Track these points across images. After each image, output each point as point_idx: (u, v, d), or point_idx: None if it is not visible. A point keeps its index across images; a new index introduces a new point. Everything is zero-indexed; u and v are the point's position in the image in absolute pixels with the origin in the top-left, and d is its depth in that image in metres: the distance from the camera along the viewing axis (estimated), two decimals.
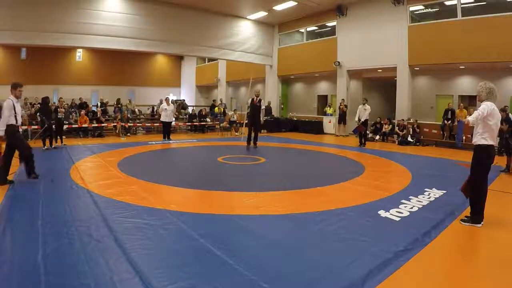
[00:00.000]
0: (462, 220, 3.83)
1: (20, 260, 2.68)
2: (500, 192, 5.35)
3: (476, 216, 3.70)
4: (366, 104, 11.21)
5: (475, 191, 3.72)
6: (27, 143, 5.85)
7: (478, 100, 3.89)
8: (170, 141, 11.33)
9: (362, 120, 11.14)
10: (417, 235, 3.34)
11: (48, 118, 9.03)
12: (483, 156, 3.69)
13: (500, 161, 7.06)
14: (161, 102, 17.03)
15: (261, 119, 9.91)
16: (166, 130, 11.79)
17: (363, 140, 11.13)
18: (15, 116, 5.31)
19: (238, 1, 14.61)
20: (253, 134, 9.73)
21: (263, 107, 9.58)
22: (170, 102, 12.31)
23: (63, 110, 10.11)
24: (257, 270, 2.57)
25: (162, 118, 11.72)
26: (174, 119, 12.10)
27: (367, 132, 13.58)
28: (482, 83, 3.90)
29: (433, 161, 8.45)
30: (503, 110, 7.10)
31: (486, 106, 3.65)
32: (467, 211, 4.02)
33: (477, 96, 3.93)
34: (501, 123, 7.03)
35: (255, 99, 9.39)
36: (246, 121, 10.20)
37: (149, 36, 13.54)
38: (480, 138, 3.67)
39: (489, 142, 3.66)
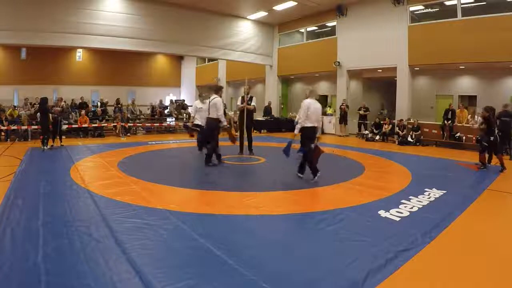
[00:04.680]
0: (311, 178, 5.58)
1: (20, 260, 2.68)
2: (500, 192, 5.35)
3: (316, 172, 5.62)
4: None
5: (308, 157, 5.68)
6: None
7: (305, 98, 5.72)
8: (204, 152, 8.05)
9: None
10: (417, 235, 3.34)
11: (45, 118, 9.02)
12: (307, 133, 5.56)
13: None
14: (160, 102, 17.08)
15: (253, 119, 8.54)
16: (203, 138, 8.23)
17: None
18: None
19: (238, 1, 14.61)
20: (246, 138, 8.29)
21: (253, 103, 8.17)
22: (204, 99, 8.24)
23: (58, 109, 10.07)
24: (257, 270, 2.56)
25: (197, 121, 8.23)
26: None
27: (366, 132, 13.58)
28: (306, 88, 6.09)
29: (433, 161, 8.45)
30: (486, 111, 7.09)
31: (303, 104, 5.58)
32: (467, 210, 4.20)
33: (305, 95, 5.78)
34: (481, 123, 7.12)
35: (245, 98, 8.08)
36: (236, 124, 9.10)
37: (149, 36, 13.54)
38: (303, 122, 5.52)
39: (309, 124, 5.54)
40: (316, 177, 5.60)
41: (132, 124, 13.84)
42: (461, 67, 12.33)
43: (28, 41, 12.09)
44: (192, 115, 8.36)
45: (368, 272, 2.56)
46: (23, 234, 3.22)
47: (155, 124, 14.93)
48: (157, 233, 3.29)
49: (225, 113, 12.42)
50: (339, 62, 14.69)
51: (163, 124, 15.34)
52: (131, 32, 13.06)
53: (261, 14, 15.94)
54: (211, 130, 6.88)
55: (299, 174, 5.89)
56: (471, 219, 4.00)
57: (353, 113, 14.72)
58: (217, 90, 7.16)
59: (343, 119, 14.47)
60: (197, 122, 8.29)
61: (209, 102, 6.95)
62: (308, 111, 5.52)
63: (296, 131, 5.66)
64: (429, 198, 4.73)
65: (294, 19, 16.59)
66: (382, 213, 4.02)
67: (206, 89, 7.62)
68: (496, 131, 7.04)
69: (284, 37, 18.02)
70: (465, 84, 13.10)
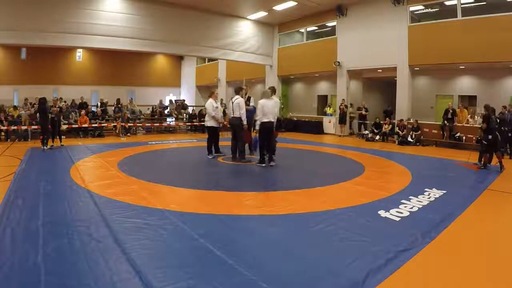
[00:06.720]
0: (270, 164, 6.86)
1: (20, 260, 2.68)
2: (500, 192, 5.35)
3: (263, 159, 6.96)
4: (274, 97, 7.19)
5: (269, 147, 6.86)
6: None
7: (261, 98, 6.77)
8: (218, 155, 7.99)
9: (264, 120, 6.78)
10: (417, 235, 3.34)
11: (45, 118, 9.01)
12: (265, 126, 6.62)
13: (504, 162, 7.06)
14: (160, 103, 17.05)
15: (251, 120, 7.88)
16: (215, 140, 7.98)
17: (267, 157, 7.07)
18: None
19: (238, 1, 14.60)
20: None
21: (252, 104, 8.01)
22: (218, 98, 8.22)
23: (56, 109, 10.07)
24: (257, 270, 2.56)
25: (209, 123, 7.77)
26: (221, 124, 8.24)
27: (367, 132, 13.57)
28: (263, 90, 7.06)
29: (433, 161, 8.45)
30: (486, 109, 7.12)
31: (259, 104, 6.70)
32: (467, 211, 4.20)
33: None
34: (482, 122, 7.16)
35: (244, 98, 7.75)
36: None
37: (149, 36, 13.53)
38: (261, 118, 6.60)
39: (265, 120, 6.60)
40: (270, 162, 6.90)
41: (132, 124, 13.85)
42: (461, 67, 12.33)
43: (28, 41, 12.07)
44: (213, 114, 7.64)
45: (368, 272, 2.56)
46: (23, 234, 3.22)
47: (155, 124, 14.93)
48: (157, 233, 3.29)
49: (224, 113, 12.47)
50: (339, 62, 14.69)
51: (163, 124, 15.35)
52: (131, 32, 13.04)
53: (261, 14, 15.93)
54: (239, 128, 7.34)
55: (260, 165, 6.94)
56: (471, 219, 4.00)
57: (353, 113, 14.72)
58: (238, 90, 7.63)
59: (342, 119, 14.48)
60: (208, 124, 7.77)
61: (232, 102, 7.32)
62: (263, 109, 6.58)
63: (257, 127, 6.75)
64: (429, 198, 4.73)
65: (294, 19, 16.57)
66: (382, 213, 4.02)
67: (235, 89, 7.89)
68: (497, 132, 7.05)
69: (284, 37, 18.01)
70: (465, 84, 13.09)
